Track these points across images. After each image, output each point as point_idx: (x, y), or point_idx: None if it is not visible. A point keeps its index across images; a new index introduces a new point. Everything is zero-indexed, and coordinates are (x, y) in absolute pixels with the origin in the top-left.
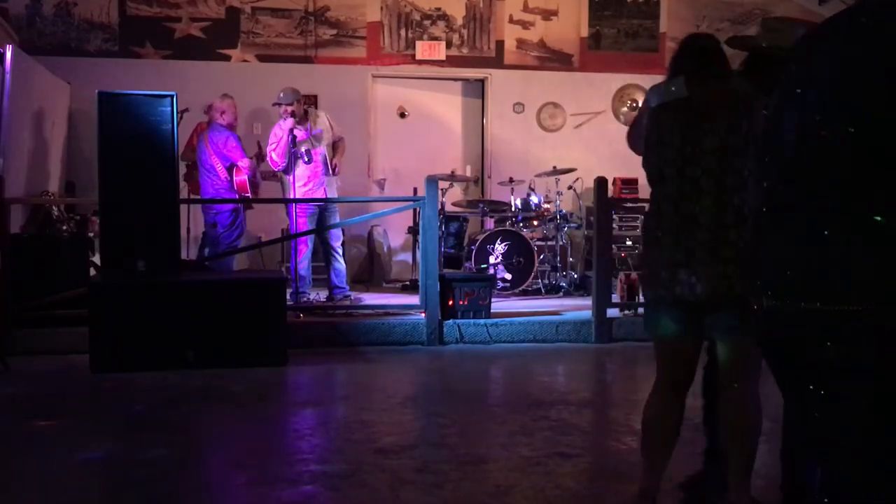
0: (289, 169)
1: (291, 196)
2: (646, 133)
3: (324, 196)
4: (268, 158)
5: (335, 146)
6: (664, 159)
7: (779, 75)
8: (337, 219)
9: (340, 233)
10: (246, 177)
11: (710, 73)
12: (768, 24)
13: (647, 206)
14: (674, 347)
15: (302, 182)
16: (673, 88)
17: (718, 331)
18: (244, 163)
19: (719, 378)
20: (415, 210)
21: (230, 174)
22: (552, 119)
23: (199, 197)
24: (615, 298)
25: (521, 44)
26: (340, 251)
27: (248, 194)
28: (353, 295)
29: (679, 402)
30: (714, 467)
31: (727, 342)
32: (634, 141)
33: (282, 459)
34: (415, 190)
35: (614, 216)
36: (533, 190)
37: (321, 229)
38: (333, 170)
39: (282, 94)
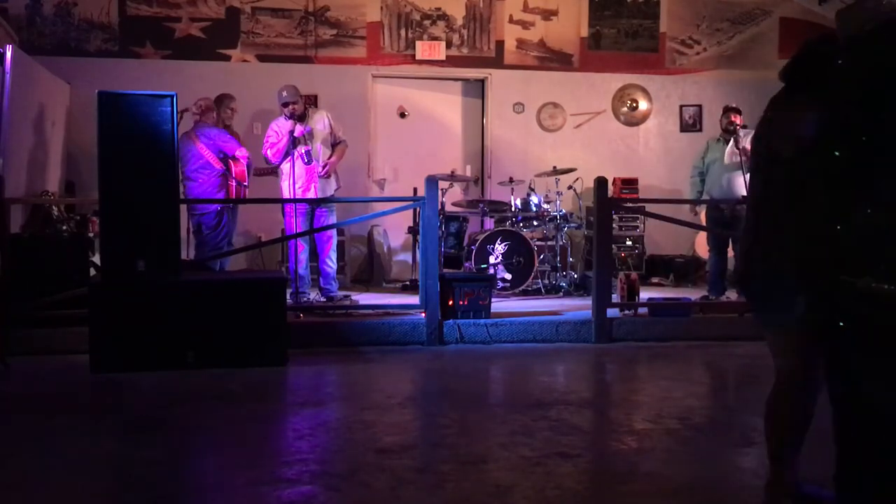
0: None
1: (283, 194)
2: None
3: (315, 194)
4: (262, 151)
5: (334, 148)
6: None
7: None
8: (329, 219)
9: (334, 240)
10: (245, 166)
11: (788, 80)
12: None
13: (646, 206)
14: None
15: (292, 179)
16: None
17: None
18: (242, 152)
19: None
20: (415, 210)
21: (227, 168)
22: (552, 119)
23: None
24: (615, 298)
25: (521, 44)
26: (332, 256)
27: (247, 183)
28: (353, 295)
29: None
30: None
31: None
32: None
33: (282, 459)
34: (415, 190)
35: (614, 216)
36: (533, 190)
37: (318, 229)
38: (323, 168)
39: (285, 93)
